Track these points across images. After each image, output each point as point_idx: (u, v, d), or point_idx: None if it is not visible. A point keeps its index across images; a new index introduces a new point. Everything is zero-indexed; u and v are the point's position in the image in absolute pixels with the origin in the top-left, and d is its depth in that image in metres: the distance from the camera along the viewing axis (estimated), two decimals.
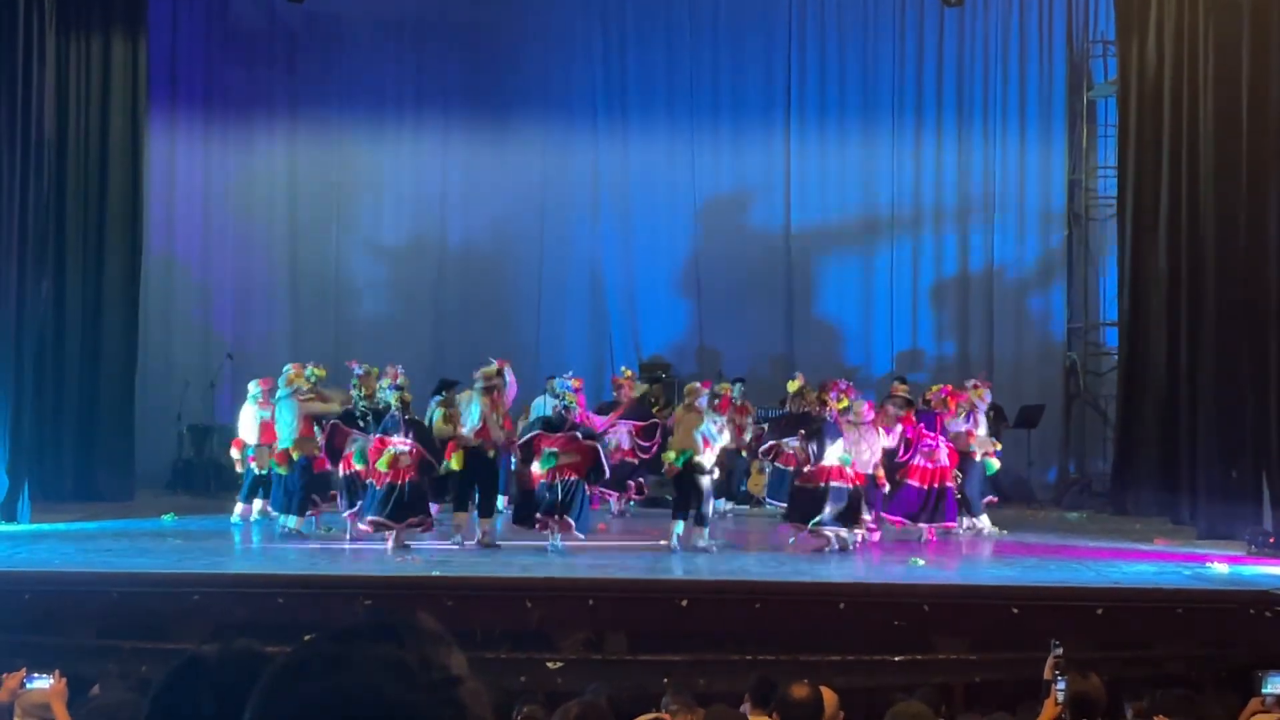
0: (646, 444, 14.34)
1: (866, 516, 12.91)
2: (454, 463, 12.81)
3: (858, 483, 12.69)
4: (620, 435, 14.46)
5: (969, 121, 18.97)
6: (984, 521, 14.21)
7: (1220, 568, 11.70)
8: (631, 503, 15.48)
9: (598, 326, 19.08)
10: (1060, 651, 6.59)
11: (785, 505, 13.66)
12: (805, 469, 12.70)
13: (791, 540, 12.86)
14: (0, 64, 14.27)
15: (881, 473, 13.05)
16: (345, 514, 12.94)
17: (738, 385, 15.37)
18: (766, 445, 13.84)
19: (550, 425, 12.54)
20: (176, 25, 18.63)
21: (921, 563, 12.22)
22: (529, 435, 12.60)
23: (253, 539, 13.60)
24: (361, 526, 12.61)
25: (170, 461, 17.78)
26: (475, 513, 13.01)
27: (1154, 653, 10.24)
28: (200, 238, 18.92)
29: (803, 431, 12.91)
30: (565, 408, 12.62)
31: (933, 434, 13.66)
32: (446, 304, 19.02)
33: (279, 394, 13.58)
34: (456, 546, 12.66)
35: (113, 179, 16.64)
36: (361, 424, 12.79)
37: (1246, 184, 13.54)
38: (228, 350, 18.40)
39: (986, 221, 19.00)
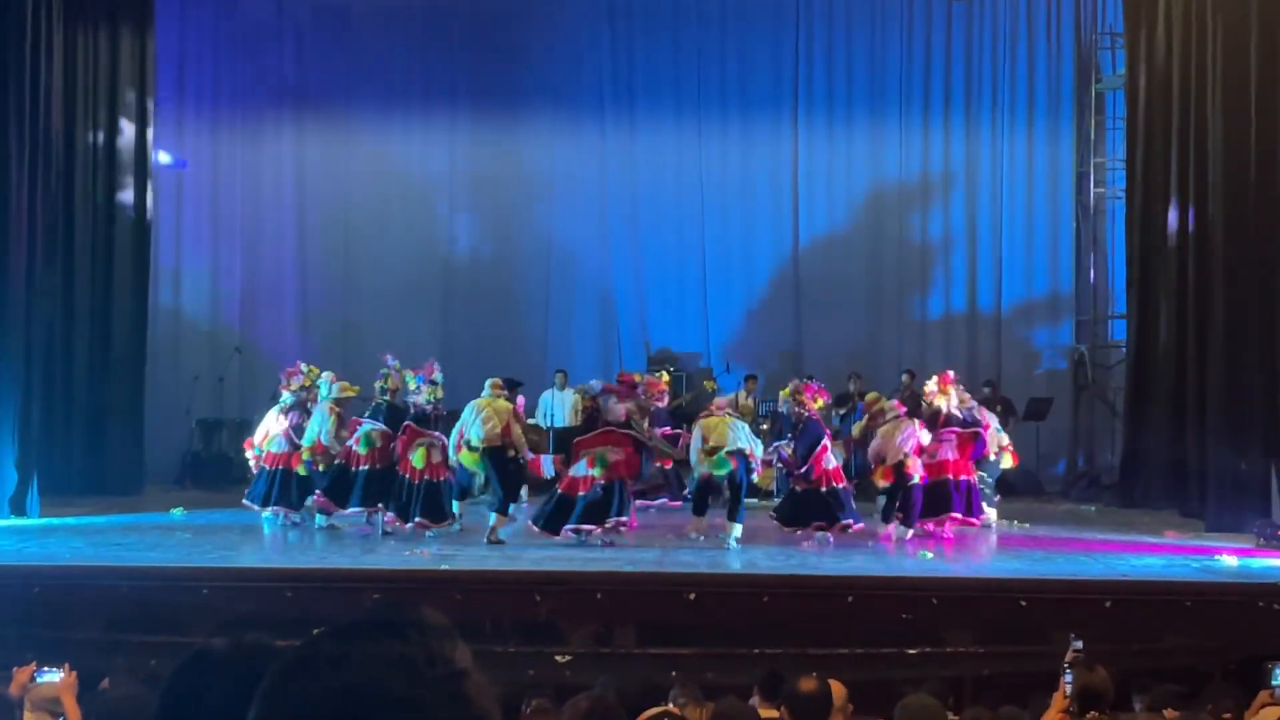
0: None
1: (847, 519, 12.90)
2: (466, 459, 12.79)
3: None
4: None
5: (977, 114, 18.95)
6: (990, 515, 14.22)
7: (1229, 560, 11.69)
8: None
9: (605, 320, 19.08)
10: (1080, 646, 6.58)
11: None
12: (798, 472, 12.80)
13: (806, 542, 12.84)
14: (8, 59, 14.28)
15: (912, 465, 13.12)
16: (387, 515, 13.10)
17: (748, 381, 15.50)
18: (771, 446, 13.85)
19: (583, 427, 12.68)
20: (184, 18, 18.65)
21: (930, 556, 12.22)
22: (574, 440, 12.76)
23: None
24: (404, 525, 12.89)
25: (179, 456, 17.82)
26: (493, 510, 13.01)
27: (1163, 645, 10.24)
28: (208, 232, 18.94)
29: (790, 436, 12.95)
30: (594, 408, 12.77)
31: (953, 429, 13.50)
32: (454, 297, 19.03)
33: (321, 395, 13.61)
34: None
35: (120, 172, 16.65)
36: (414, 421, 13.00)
37: (1255, 175, 13.52)
38: (236, 344, 18.43)
39: (994, 213, 18.97)
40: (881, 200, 19.08)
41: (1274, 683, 6.83)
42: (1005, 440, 14.46)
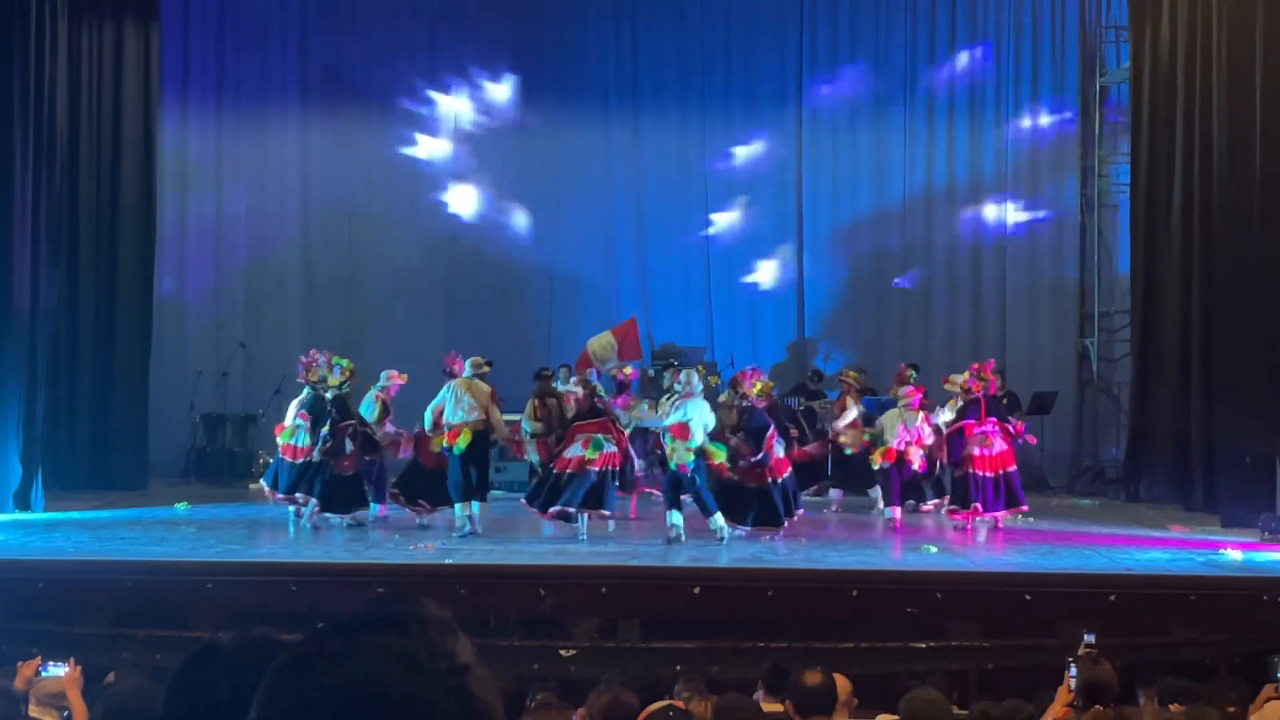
0: None
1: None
2: (462, 442, 12.80)
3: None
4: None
5: (982, 107, 18.91)
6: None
7: (1234, 554, 11.68)
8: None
9: (609, 313, 19.06)
10: (1092, 640, 6.59)
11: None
12: (754, 459, 12.52)
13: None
14: (12, 53, 14.28)
15: (912, 453, 13.24)
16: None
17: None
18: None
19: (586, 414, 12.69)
20: (188, 13, 18.64)
21: (934, 549, 12.22)
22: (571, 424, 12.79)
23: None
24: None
25: (183, 450, 17.83)
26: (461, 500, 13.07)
27: (1167, 639, 10.24)
28: (212, 226, 18.92)
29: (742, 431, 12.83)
30: (598, 396, 12.79)
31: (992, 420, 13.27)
32: (459, 291, 19.01)
33: (376, 386, 13.79)
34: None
35: (125, 168, 16.66)
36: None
37: (1260, 169, 13.50)
38: (240, 339, 18.43)
39: (999, 207, 18.94)
40: (886, 194, 19.04)
41: (1279, 676, 6.84)
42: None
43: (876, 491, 14.59)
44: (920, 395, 14.06)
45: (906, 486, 14.17)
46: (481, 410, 12.87)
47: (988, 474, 12.96)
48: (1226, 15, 14.05)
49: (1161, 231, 15.74)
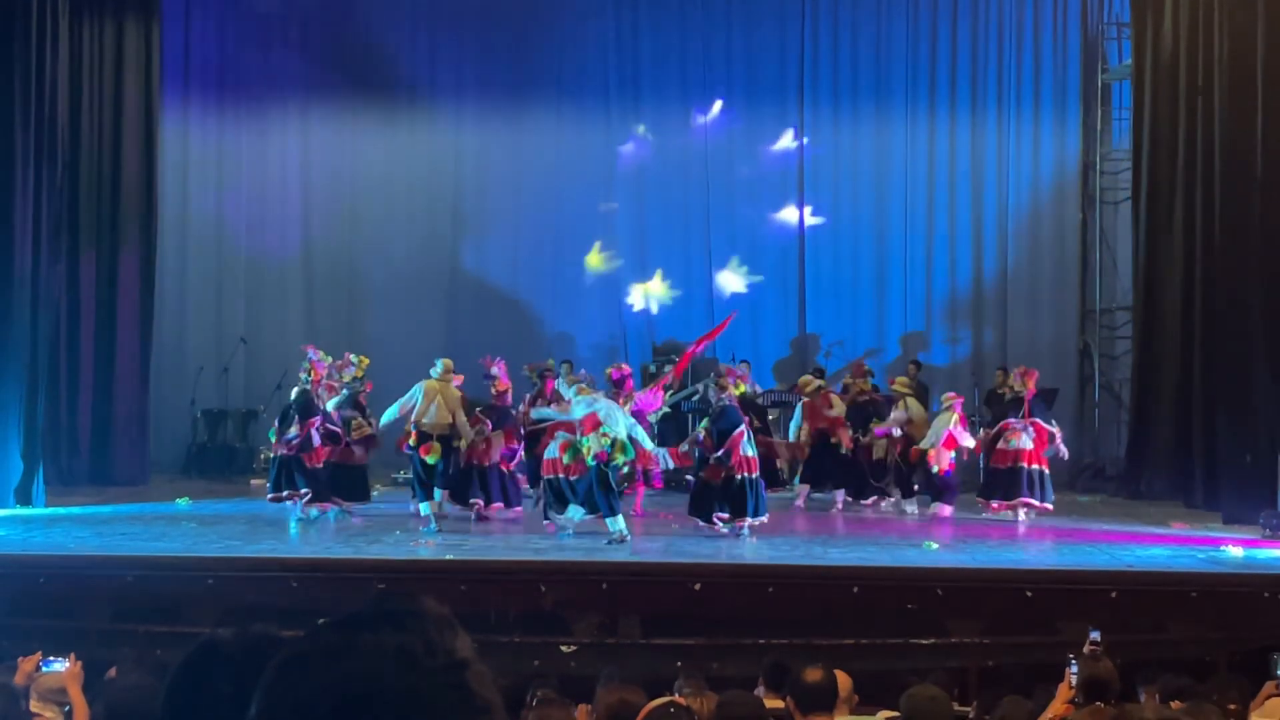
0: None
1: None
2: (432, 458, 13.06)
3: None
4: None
5: (983, 104, 18.90)
6: (911, 505, 14.73)
7: (1235, 551, 11.67)
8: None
9: (611, 311, 19.07)
10: (1098, 637, 6.58)
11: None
12: (716, 456, 12.42)
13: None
14: (13, 50, 14.27)
15: (938, 455, 13.73)
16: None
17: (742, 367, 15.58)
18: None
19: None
20: (189, 9, 18.64)
21: (935, 546, 12.22)
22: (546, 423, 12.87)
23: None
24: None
25: (184, 445, 17.84)
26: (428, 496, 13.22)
27: (1168, 636, 10.24)
28: (213, 222, 18.92)
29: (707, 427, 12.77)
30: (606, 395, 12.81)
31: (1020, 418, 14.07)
32: (460, 288, 19.01)
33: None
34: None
35: (126, 164, 16.66)
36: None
37: (1261, 166, 13.49)
38: (241, 335, 18.43)
39: (1000, 204, 18.93)
40: (887, 191, 19.03)
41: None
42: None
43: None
44: (961, 401, 14.65)
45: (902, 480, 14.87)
46: (449, 414, 13.06)
47: (1030, 466, 13.88)
48: (1228, 11, 14.04)
49: (1163, 228, 15.73)
